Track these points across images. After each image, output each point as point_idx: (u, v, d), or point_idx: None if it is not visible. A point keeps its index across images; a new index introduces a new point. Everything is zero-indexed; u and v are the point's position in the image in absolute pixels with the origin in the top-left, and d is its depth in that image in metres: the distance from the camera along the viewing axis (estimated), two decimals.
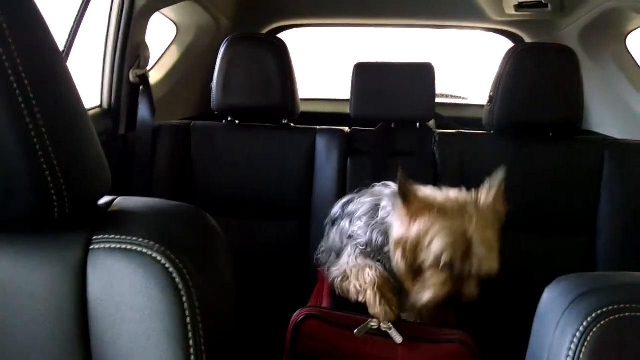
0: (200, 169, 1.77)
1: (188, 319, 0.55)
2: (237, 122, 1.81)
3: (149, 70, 1.92)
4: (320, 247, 1.41)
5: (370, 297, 1.14)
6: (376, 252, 1.18)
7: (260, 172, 1.75)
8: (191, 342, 0.55)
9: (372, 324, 1.12)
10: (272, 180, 1.74)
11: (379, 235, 1.17)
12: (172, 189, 1.78)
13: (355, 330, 1.10)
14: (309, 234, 1.72)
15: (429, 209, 1.07)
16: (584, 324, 0.62)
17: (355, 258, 1.20)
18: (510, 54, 1.62)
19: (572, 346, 0.62)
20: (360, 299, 1.17)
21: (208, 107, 1.80)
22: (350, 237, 1.24)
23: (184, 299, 0.55)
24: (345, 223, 1.29)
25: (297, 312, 1.17)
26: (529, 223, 1.66)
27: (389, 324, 1.11)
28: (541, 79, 1.61)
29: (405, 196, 1.08)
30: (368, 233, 1.19)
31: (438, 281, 1.07)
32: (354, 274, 1.19)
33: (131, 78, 1.81)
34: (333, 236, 1.33)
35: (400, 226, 1.10)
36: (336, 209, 1.36)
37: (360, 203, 1.26)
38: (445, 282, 1.07)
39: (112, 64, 1.79)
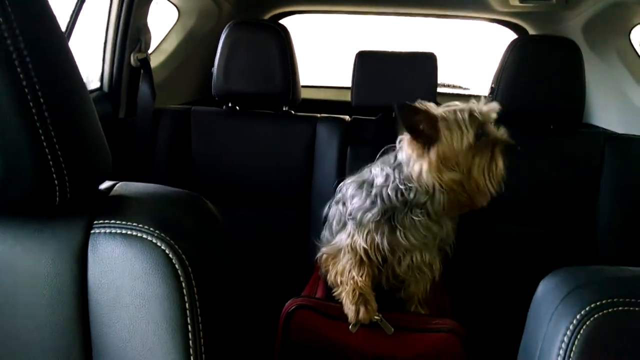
0: (199, 154, 1.77)
1: (187, 305, 0.56)
2: (237, 108, 1.81)
3: (150, 54, 1.90)
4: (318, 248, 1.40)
5: (346, 297, 1.14)
6: (399, 211, 1.15)
7: (260, 159, 1.75)
8: (190, 328, 0.55)
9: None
10: (272, 167, 1.74)
11: (394, 192, 1.14)
12: (171, 174, 1.78)
13: (350, 326, 1.11)
14: (307, 223, 1.73)
15: (434, 117, 1.10)
16: (577, 317, 0.63)
17: (365, 235, 1.17)
18: (513, 45, 1.62)
19: (565, 339, 0.63)
20: (335, 293, 1.18)
21: (208, 92, 1.80)
22: (351, 215, 1.20)
23: (183, 284, 0.56)
24: (337, 208, 1.28)
25: (289, 302, 1.18)
26: (528, 215, 1.66)
27: (380, 315, 1.12)
28: (543, 72, 1.60)
29: (414, 122, 1.10)
30: (377, 201, 1.16)
31: (484, 156, 1.11)
32: (342, 266, 1.19)
33: (132, 62, 1.80)
34: (324, 231, 1.34)
35: (418, 150, 1.11)
36: (326, 210, 1.36)
37: (346, 186, 1.26)
38: (497, 140, 1.12)
39: (113, 46, 1.78)
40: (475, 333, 1.18)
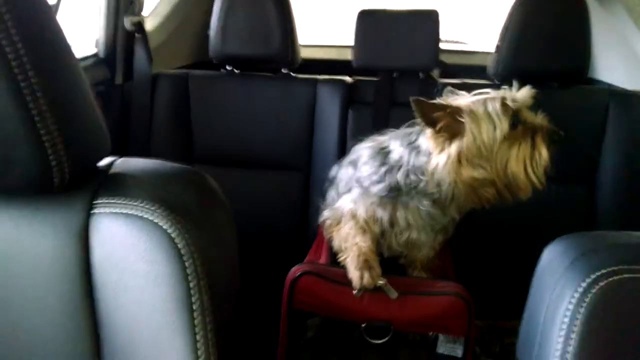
0: (198, 119, 1.75)
1: (192, 284, 0.55)
2: (236, 71, 1.78)
3: (145, 17, 1.85)
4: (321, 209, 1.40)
5: (350, 263, 1.13)
6: (404, 194, 1.14)
7: (260, 122, 1.73)
8: (195, 307, 0.56)
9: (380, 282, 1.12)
10: (272, 131, 1.72)
11: (403, 176, 1.13)
12: (170, 139, 1.77)
13: (355, 292, 1.11)
14: (308, 186, 1.72)
15: (458, 110, 1.06)
16: (583, 285, 0.63)
17: (367, 206, 1.17)
18: (519, 2, 1.57)
19: (570, 306, 0.63)
20: (340, 258, 1.18)
21: (206, 54, 1.77)
22: (358, 181, 1.20)
23: (187, 264, 0.55)
24: (347, 170, 1.26)
25: (293, 268, 1.18)
26: None
27: (384, 279, 1.12)
28: (549, 27, 1.56)
29: (433, 117, 1.06)
30: (386, 177, 1.14)
31: (531, 135, 1.06)
32: (345, 233, 1.19)
33: (126, 25, 1.76)
34: (331, 191, 1.33)
35: (440, 146, 1.07)
36: (334, 170, 1.34)
37: (362, 149, 1.24)
38: (537, 127, 1.07)
39: (106, 9, 1.73)
40: (477, 292, 1.18)
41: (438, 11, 1.70)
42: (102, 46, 1.77)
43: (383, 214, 1.17)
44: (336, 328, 1.22)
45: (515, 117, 1.06)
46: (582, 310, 0.62)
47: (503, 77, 1.62)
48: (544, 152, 1.07)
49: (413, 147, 1.13)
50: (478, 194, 1.09)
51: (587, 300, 0.62)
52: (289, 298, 1.16)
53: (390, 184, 1.14)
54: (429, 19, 1.69)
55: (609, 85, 1.81)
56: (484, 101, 1.07)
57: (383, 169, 1.15)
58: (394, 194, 1.15)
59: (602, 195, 1.62)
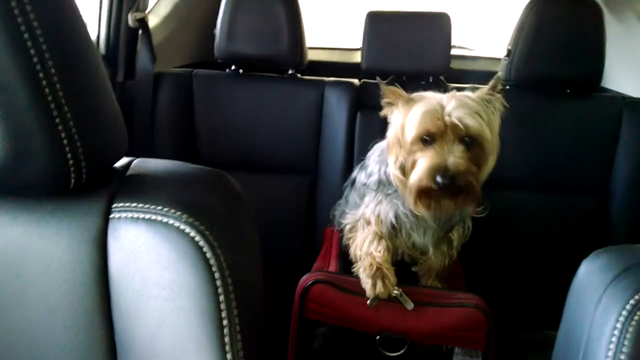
0: (202, 119, 1.71)
1: (221, 297, 0.51)
2: (241, 71, 1.73)
3: (148, 13, 1.81)
4: (335, 207, 1.36)
5: (363, 271, 1.10)
6: (387, 188, 1.13)
7: (265, 124, 1.69)
8: (225, 322, 0.51)
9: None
10: (278, 133, 1.68)
11: (384, 169, 1.13)
12: (173, 140, 1.72)
13: (368, 301, 1.08)
14: (315, 190, 1.68)
15: (407, 100, 1.08)
16: (631, 302, 0.59)
17: (375, 206, 1.15)
18: (532, 5, 1.55)
19: (618, 325, 0.59)
20: (354, 268, 1.15)
21: (211, 54, 1.72)
22: (365, 184, 1.19)
23: (216, 275, 0.51)
24: (360, 175, 1.25)
25: (304, 277, 1.14)
26: (541, 181, 1.63)
27: (400, 289, 1.08)
28: (563, 33, 1.54)
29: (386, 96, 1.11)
30: (376, 171, 1.15)
31: (423, 155, 1.01)
32: (361, 240, 1.16)
33: (130, 22, 1.71)
34: (353, 193, 1.30)
35: (389, 130, 1.11)
36: (355, 173, 1.31)
37: (372, 151, 1.23)
38: (430, 154, 1.00)
39: (109, 5, 1.68)
40: (488, 300, 1.15)
41: (449, 14, 1.67)
42: (104, 43, 1.72)
43: (377, 210, 1.15)
44: (345, 338, 1.18)
45: (429, 135, 1.02)
46: (631, 328, 0.58)
47: (514, 82, 1.60)
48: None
49: None
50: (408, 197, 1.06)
51: (637, 317, 0.58)
52: (300, 306, 1.12)
53: (380, 178, 1.14)
54: (440, 22, 1.66)
55: (623, 95, 1.79)
56: (422, 103, 1.05)
57: (378, 166, 1.16)
58: (382, 188, 1.14)
59: (615, 205, 1.59)
